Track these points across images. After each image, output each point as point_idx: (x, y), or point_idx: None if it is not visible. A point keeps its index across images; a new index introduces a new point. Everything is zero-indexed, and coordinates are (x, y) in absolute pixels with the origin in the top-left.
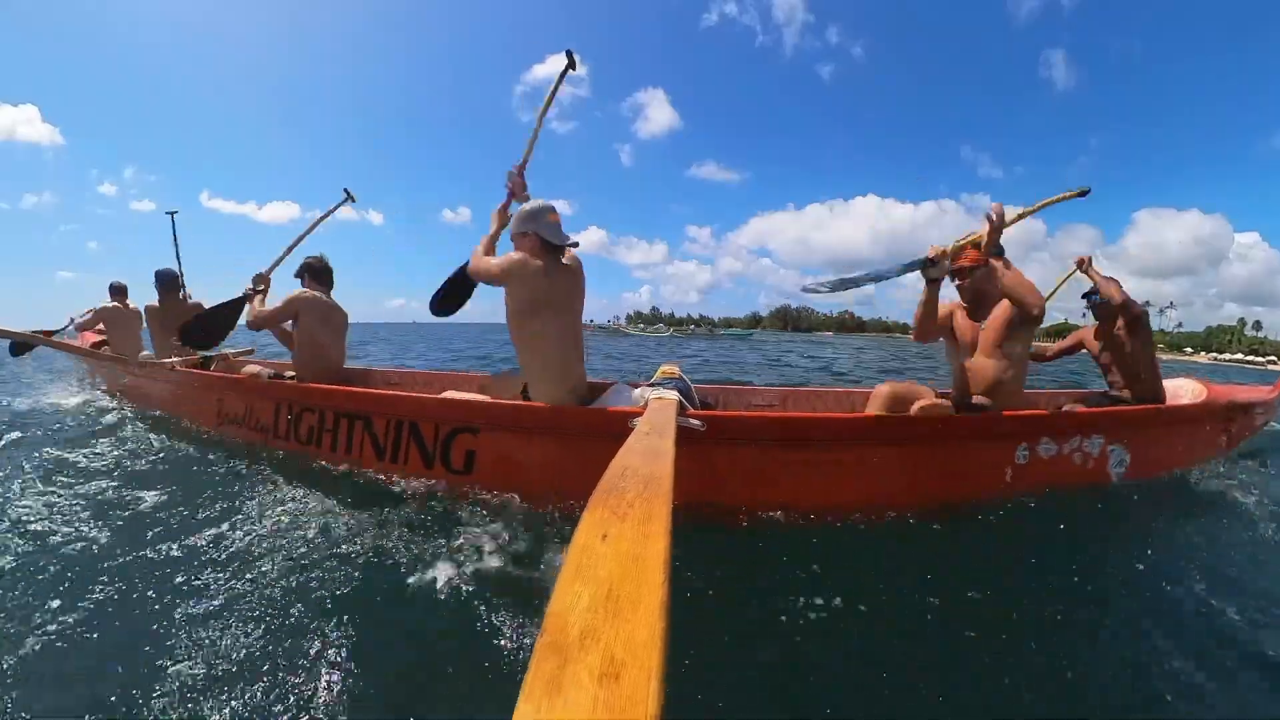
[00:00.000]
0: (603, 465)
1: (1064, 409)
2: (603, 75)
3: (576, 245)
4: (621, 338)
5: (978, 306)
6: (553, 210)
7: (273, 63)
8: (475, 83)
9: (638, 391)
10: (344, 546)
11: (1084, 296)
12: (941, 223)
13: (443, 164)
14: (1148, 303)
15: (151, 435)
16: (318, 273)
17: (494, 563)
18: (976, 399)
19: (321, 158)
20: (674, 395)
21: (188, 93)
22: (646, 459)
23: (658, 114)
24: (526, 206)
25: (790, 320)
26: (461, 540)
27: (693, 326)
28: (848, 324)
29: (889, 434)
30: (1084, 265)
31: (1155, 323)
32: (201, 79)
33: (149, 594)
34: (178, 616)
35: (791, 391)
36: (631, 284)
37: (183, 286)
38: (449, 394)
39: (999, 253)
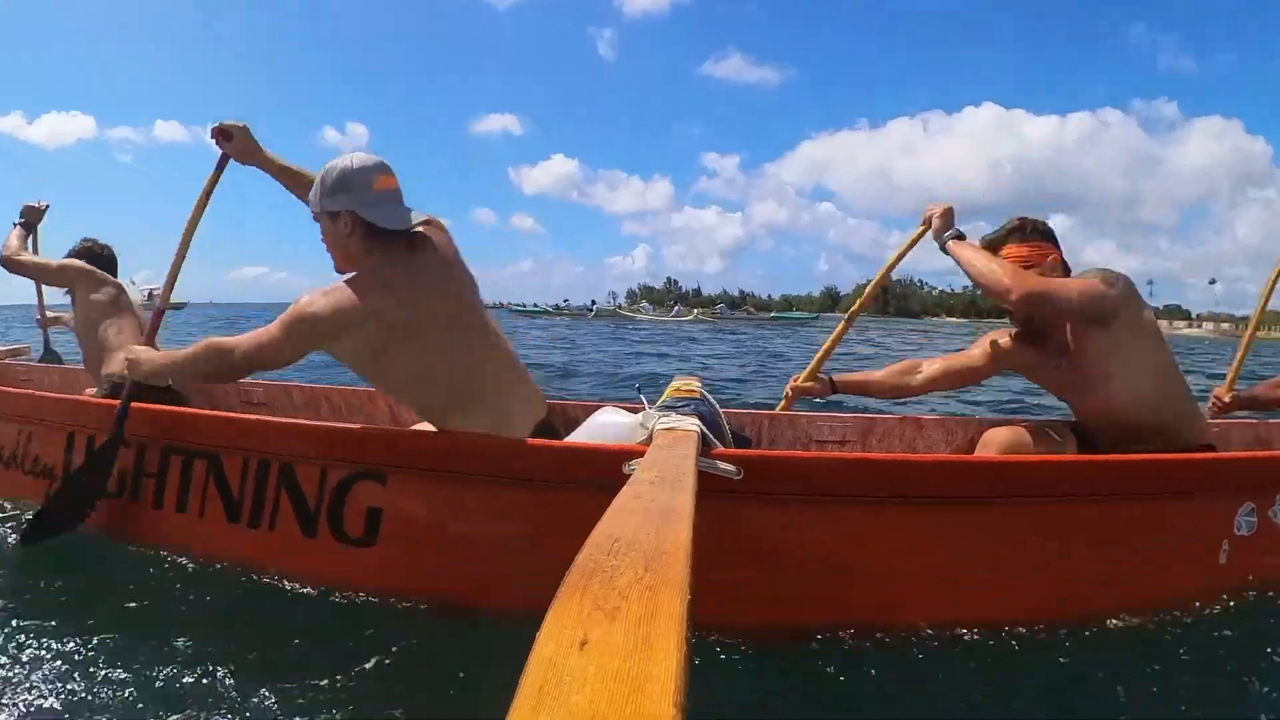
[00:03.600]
0: (581, 532)
1: None
2: None
3: (425, 223)
4: (632, 325)
5: None
6: (384, 170)
7: None
8: None
9: (637, 418)
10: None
11: None
12: (1100, 141)
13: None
14: None
15: None
16: (101, 262)
17: (406, 689)
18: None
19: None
20: (693, 424)
21: None
22: (650, 524)
23: None
24: (336, 163)
25: (894, 300)
26: (356, 656)
27: (722, 306)
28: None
29: (1033, 486)
30: None
31: None
32: None
33: None
34: None
35: (876, 420)
36: (620, 243)
37: None
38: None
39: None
